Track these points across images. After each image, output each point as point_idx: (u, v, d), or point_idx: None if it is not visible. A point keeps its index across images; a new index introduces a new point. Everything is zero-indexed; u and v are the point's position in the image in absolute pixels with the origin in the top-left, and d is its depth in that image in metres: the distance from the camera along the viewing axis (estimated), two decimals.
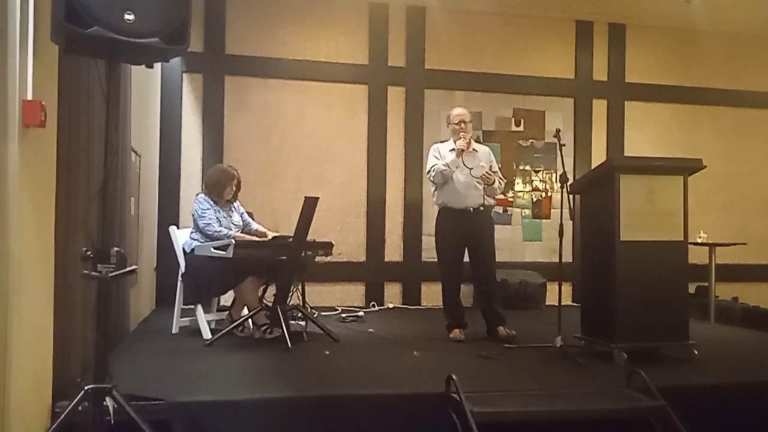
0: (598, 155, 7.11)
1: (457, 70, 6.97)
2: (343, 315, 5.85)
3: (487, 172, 4.75)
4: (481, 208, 4.79)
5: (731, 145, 7.52)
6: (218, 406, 3.00)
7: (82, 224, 3.11)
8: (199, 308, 4.68)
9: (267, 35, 6.63)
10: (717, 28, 7.20)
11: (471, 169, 4.75)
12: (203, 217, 4.70)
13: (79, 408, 2.51)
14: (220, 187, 4.86)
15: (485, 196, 4.80)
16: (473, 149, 4.82)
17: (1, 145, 2.49)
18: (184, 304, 4.81)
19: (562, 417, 3.13)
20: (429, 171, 4.84)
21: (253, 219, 5.20)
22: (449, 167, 4.74)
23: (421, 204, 6.87)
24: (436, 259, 5.01)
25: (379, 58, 6.85)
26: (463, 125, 4.85)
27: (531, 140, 7.17)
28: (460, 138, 4.77)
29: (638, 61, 7.38)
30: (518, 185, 7.15)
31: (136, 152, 5.00)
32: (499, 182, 4.86)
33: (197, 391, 3.17)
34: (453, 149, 4.83)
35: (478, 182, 4.76)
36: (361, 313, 5.93)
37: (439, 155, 4.87)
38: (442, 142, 5.17)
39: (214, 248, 4.51)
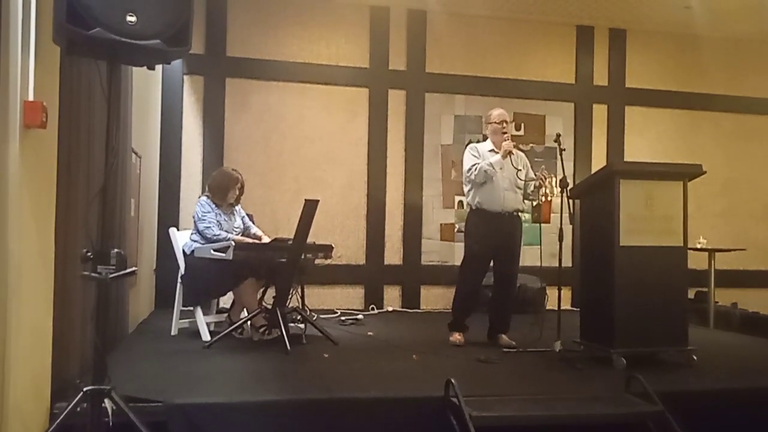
0: (598, 160, 7.12)
1: (458, 73, 6.98)
2: (342, 318, 5.84)
3: (542, 176, 4.67)
4: (515, 213, 4.72)
5: (731, 151, 7.52)
6: (217, 408, 2.99)
7: (82, 225, 3.11)
8: (199, 310, 4.67)
9: (268, 37, 6.64)
10: (717, 33, 7.21)
11: (519, 170, 4.69)
12: (203, 220, 4.70)
13: (78, 409, 2.51)
14: (224, 190, 4.85)
15: (523, 201, 4.76)
16: (512, 151, 4.71)
17: (2, 146, 2.49)
18: (183, 306, 4.80)
19: (561, 422, 3.13)
20: (470, 170, 4.67)
21: (252, 221, 5.21)
22: (493, 167, 4.62)
23: (420, 207, 6.88)
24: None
25: (380, 62, 6.86)
26: (505, 125, 4.73)
27: (531, 144, 7.17)
28: (506, 139, 4.65)
29: (639, 67, 7.39)
30: None
31: (136, 153, 5.00)
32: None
33: (196, 393, 3.17)
34: (492, 150, 4.74)
35: (519, 186, 4.70)
36: (360, 316, 5.92)
37: (478, 154, 4.73)
38: (478, 141, 5.06)
39: (214, 250, 4.51)
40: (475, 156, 4.73)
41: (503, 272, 4.75)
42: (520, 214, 4.78)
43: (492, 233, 4.64)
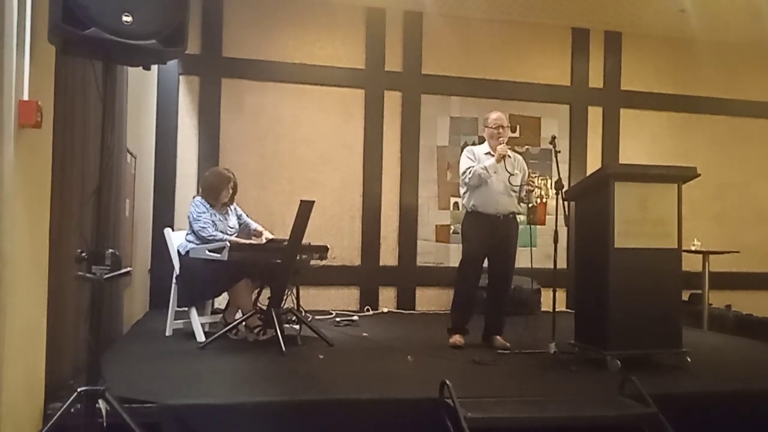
0: (593, 162, 7.14)
1: (454, 75, 6.99)
2: (338, 319, 5.84)
3: (531, 180, 4.75)
4: (511, 216, 4.75)
5: (726, 154, 7.55)
6: (211, 409, 2.99)
7: (77, 225, 3.10)
8: (193, 311, 4.66)
9: (264, 38, 6.64)
10: (712, 37, 7.23)
11: (511, 175, 4.71)
12: (198, 220, 4.70)
13: (71, 410, 2.50)
14: (217, 190, 4.85)
15: (518, 204, 4.78)
16: (508, 155, 4.74)
17: None
18: (177, 307, 4.79)
19: (555, 423, 3.13)
20: (464, 173, 4.72)
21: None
22: (488, 171, 4.66)
23: (416, 208, 6.88)
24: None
25: (376, 63, 6.87)
26: (501, 130, 4.76)
27: (526, 146, 7.19)
28: (500, 143, 4.69)
29: (634, 69, 7.42)
30: None
31: (131, 154, 4.99)
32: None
33: (190, 394, 3.16)
34: (488, 152, 4.77)
35: (513, 189, 4.73)
36: (355, 318, 5.92)
37: (473, 157, 4.78)
38: (474, 144, 5.12)
39: (209, 251, 4.50)
40: (470, 159, 4.77)
41: (498, 274, 4.77)
42: (516, 216, 4.81)
43: (487, 235, 4.67)
